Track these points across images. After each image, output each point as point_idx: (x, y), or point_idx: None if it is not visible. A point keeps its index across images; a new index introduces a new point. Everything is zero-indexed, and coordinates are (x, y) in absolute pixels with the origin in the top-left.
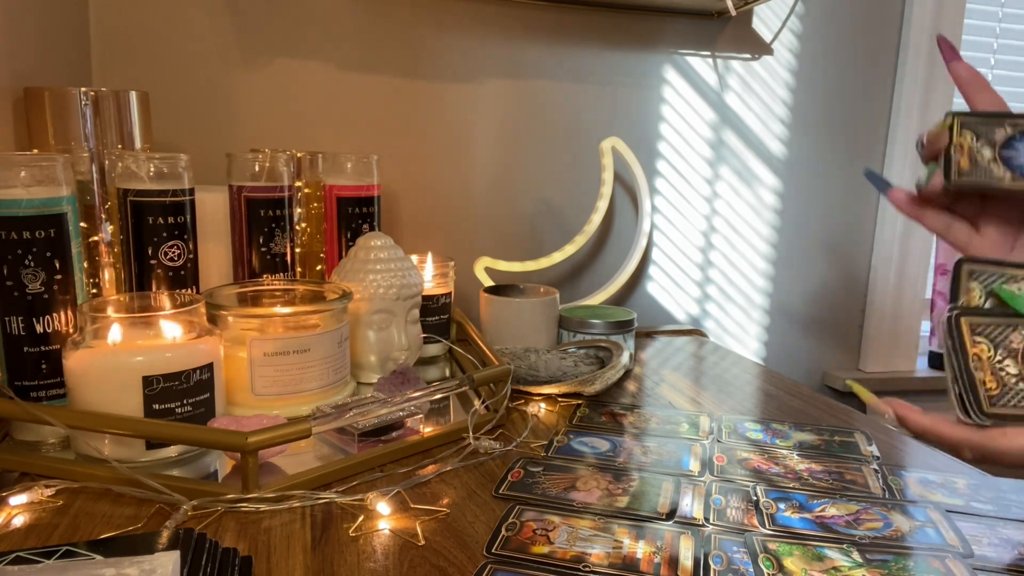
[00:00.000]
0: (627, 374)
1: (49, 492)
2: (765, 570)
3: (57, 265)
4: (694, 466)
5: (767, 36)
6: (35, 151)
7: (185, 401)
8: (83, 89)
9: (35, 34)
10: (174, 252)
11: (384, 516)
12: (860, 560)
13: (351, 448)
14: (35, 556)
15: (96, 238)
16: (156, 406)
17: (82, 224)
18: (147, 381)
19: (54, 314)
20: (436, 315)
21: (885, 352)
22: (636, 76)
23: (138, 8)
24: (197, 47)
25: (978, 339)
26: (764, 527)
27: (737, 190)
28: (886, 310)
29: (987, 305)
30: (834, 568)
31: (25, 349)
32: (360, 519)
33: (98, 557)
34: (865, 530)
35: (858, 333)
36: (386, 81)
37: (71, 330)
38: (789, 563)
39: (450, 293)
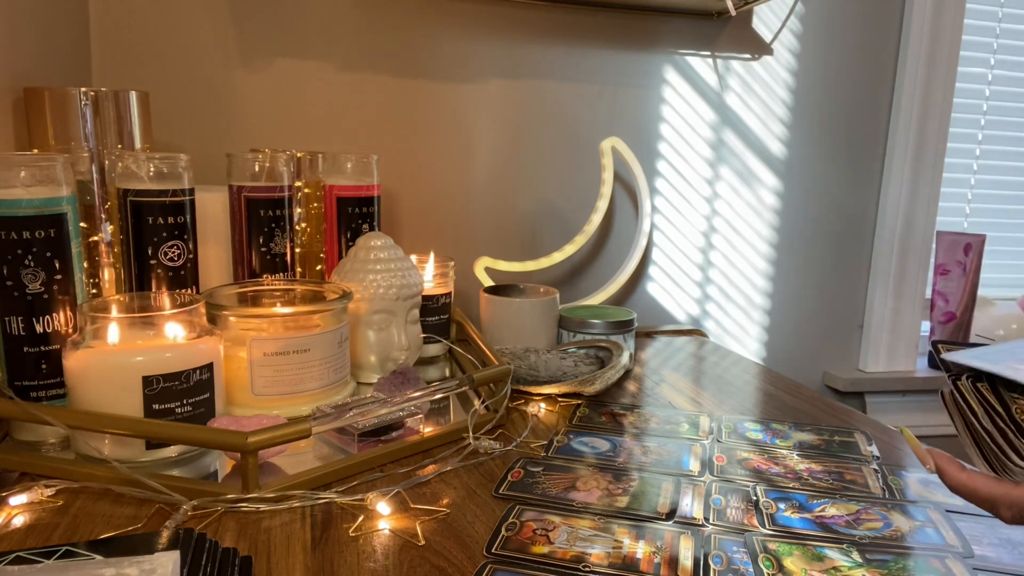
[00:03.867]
0: (627, 374)
1: (49, 492)
2: (765, 570)
3: (57, 265)
4: (694, 466)
5: (767, 36)
6: (35, 151)
7: (185, 401)
8: (83, 89)
9: (35, 34)
10: (174, 252)
11: (384, 516)
12: (860, 560)
13: (351, 448)
14: (35, 556)
15: (96, 238)
16: (156, 406)
17: (82, 224)
18: (147, 381)
19: (54, 314)
20: (436, 315)
21: (885, 352)
22: (636, 76)
23: (138, 8)
24: (197, 47)
25: (990, 398)
26: (764, 527)
27: (737, 190)
28: (886, 310)
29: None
30: (834, 568)
31: (25, 349)
32: (360, 519)
33: (98, 557)
34: (865, 530)
35: (858, 333)
36: (386, 81)
37: (71, 330)
38: (789, 563)
39: (450, 293)
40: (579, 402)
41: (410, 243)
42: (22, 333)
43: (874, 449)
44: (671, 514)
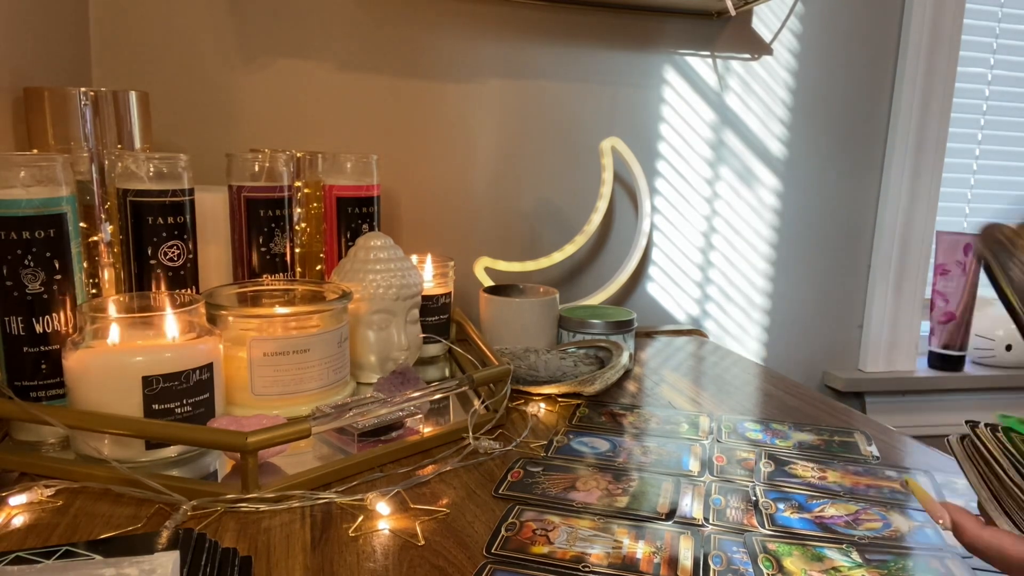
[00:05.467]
0: (627, 374)
1: (49, 492)
2: (765, 570)
3: (57, 265)
4: (694, 466)
5: (767, 36)
6: (35, 151)
7: (185, 401)
8: (83, 89)
9: (35, 34)
10: (174, 252)
11: (384, 516)
12: (859, 560)
13: (351, 448)
14: (35, 556)
15: (96, 238)
16: (156, 406)
17: (82, 224)
18: (147, 381)
19: (54, 314)
20: (436, 315)
21: (885, 352)
22: (636, 76)
23: (138, 8)
24: (197, 47)
25: (1012, 448)
26: (764, 527)
27: (737, 190)
28: (886, 310)
29: (1000, 436)
30: (834, 568)
31: (25, 349)
32: (360, 519)
33: (98, 557)
34: (864, 530)
35: (858, 333)
36: (386, 81)
37: (71, 330)
38: (789, 563)
39: (450, 293)
40: (579, 402)
41: (410, 243)
42: (22, 333)
43: (874, 449)
44: (671, 514)
